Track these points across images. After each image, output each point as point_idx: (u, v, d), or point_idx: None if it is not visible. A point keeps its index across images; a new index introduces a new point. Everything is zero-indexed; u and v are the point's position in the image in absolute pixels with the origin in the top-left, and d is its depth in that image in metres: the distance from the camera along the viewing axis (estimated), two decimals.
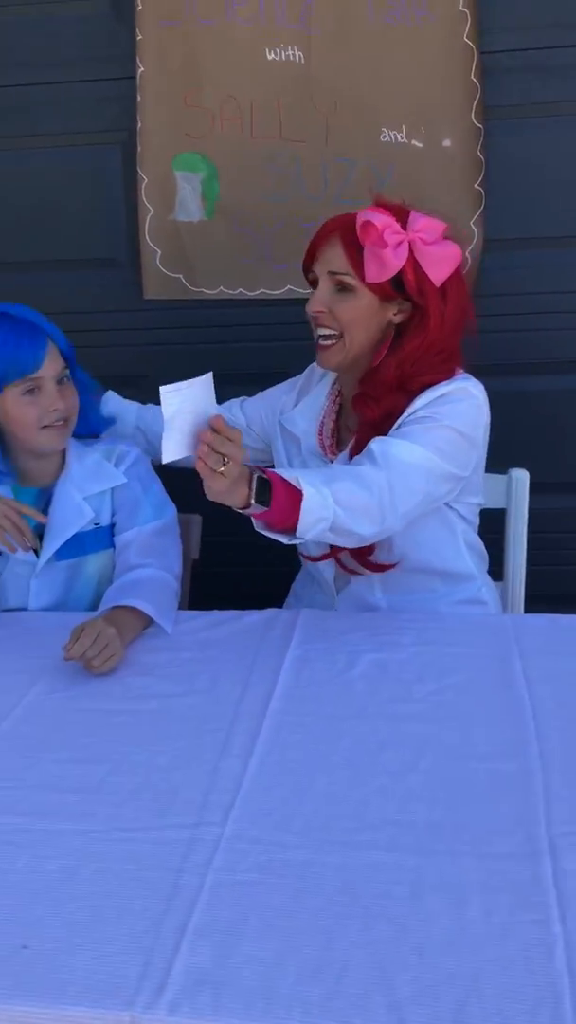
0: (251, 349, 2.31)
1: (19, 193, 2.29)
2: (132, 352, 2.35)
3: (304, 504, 1.35)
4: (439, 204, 2.14)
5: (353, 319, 1.57)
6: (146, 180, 2.24)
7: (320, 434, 1.72)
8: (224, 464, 1.31)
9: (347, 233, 1.56)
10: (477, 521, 1.73)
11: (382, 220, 1.52)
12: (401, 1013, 0.81)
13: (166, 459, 1.34)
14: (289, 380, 1.85)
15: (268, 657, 1.44)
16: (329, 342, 1.60)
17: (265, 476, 1.36)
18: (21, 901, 0.95)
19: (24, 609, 1.68)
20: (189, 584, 1.90)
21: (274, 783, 1.13)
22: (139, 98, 2.19)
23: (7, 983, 0.85)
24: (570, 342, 2.20)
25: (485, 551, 1.76)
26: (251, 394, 1.96)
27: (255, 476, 1.35)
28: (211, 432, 1.32)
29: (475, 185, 2.15)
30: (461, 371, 1.63)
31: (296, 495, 1.36)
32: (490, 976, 0.85)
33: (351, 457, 1.58)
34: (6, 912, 0.94)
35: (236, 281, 2.27)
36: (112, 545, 1.69)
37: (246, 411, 1.88)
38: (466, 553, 1.69)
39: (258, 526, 1.41)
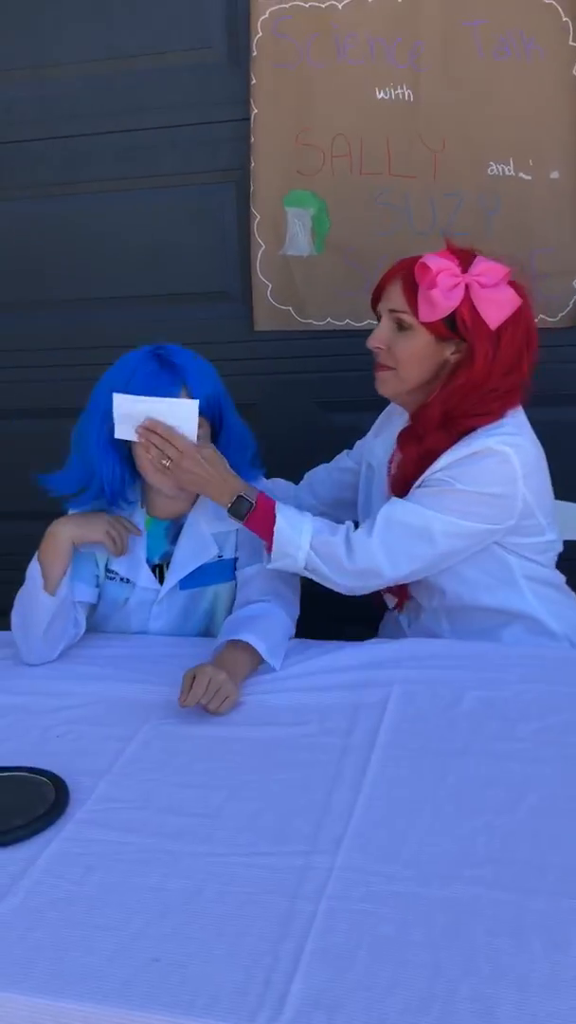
0: (357, 378, 2.35)
1: (138, 231, 2.42)
2: (243, 381, 2.42)
3: (276, 534, 1.58)
4: (546, 234, 2.18)
5: (408, 356, 1.66)
6: (258, 217, 2.33)
7: (391, 463, 1.77)
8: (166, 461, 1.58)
9: (408, 274, 1.65)
10: (552, 555, 1.76)
11: (439, 263, 1.61)
12: None
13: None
14: (376, 423, 1.94)
15: (375, 689, 1.50)
16: (385, 372, 1.70)
17: (247, 498, 1.60)
18: (151, 917, 1.04)
19: (144, 634, 1.78)
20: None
21: (382, 816, 1.19)
22: (252, 139, 2.29)
23: (141, 992, 0.93)
24: None
25: (565, 586, 1.80)
26: (356, 422, 2.04)
27: (240, 494, 1.60)
28: (146, 431, 1.58)
29: None
30: (511, 412, 1.67)
31: (271, 522, 1.58)
32: None
33: (390, 480, 1.71)
34: (138, 926, 1.02)
35: (344, 312, 2.34)
36: (233, 578, 1.77)
37: (352, 457, 1.97)
38: (526, 590, 1.71)
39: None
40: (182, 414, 1.60)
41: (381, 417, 1.92)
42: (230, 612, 1.74)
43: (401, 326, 1.66)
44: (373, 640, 1.72)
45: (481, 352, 1.61)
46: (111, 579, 1.77)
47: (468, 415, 1.63)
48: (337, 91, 2.22)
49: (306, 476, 2.05)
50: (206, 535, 1.74)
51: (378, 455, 1.82)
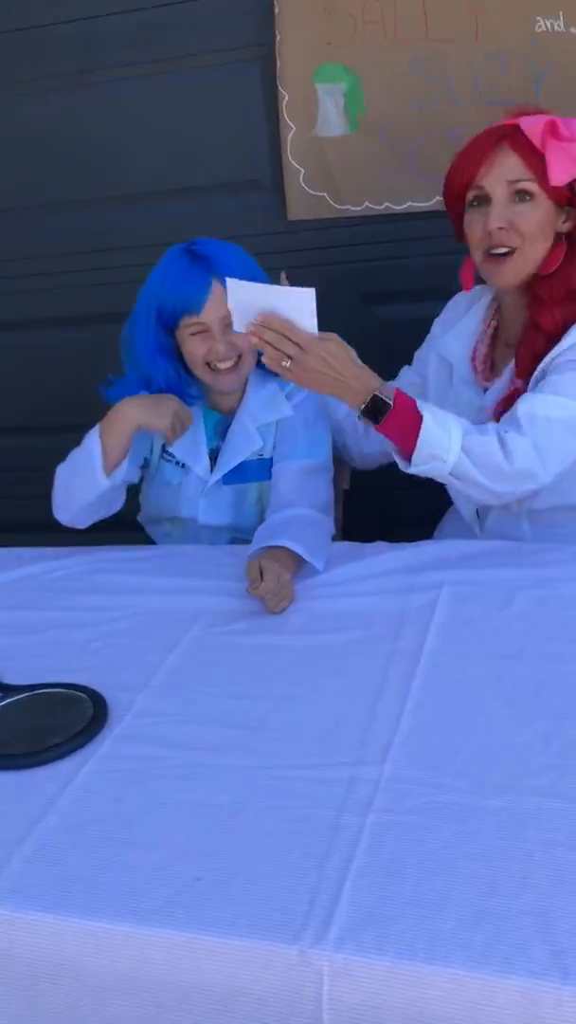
0: (401, 266, 2.24)
1: (157, 120, 2.28)
2: (278, 276, 2.33)
3: (421, 435, 1.38)
4: None
5: (534, 230, 1.50)
6: (287, 96, 2.18)
7: (473, 360, 1.67)
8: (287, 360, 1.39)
9: (516, 140, 1.48)
10: None
11: (549, 119, 1.45)
12: (564, 960, 0.82)
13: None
14: (437, 321, 1.81)
15: (422, 592, 1.44)
16: (506, 257, 1.52)
17: (384, 397, 1.40)
18: (194, 834, 1.00)
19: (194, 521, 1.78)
20: (342, 517, 1.91)
21: (432, 724, 1.14)
22: (276, 9, 2.12)
23: (184, 914, 0.90)
24: None
25: None
26: (401, 314, 1.92)
27: (375, 393, 1.40)
28: (259, 327, 1.39)
29: None
30: None
31: (416, 422, 1.38)
32: None
33: (517, 374, 1.54)
34: (182, 844, 0.99)
35: (382, 196, 2.20)
36: (270, 478, 1.74)
37: (415, 370, 1.84)
38: None
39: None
40: (296, 302, 1.40)
41: (446, 313, 1.79)
42: None
43: (524, 196, 1.49)
44: (422, 541, 1.64)
45: None
46: (167, 461, 1.78)
47: None
48: None
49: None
50: (251, 430, 1.74)
51: (455, 350, 1.69)
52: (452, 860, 0.93)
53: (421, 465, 1.41)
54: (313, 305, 1.40)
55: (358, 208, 2.22)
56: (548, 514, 1.61)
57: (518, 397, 1.51)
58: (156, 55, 2.24)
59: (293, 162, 2.22)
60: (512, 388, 1.56)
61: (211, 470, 1.75)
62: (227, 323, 1.60)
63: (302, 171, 2.23)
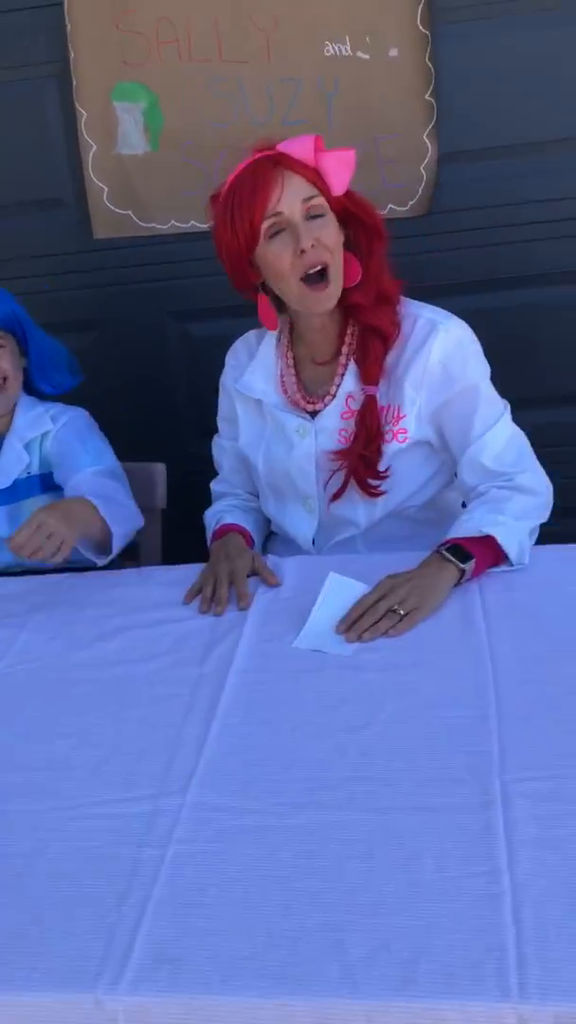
0: (208, 284, 2.24)
1: None
2: (86, 295, 2.30)
3: (502, 540, 1.46)
4: (389, 118, 2.08)
5: (335, 243, 1.51)
6: (85, 114, 2.16)
7: (285, 391, 1.65)
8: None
9: (291, 162, 1.48)
10: None
11: (307, 138, 1.49)
12: (354, 977, 0.84)
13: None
14: (226, 371, 1.75)
15: (232, 613, 1.45)
16: (323, 281, 1.51)
17: (449, 545, 1.46)
18: None
19: None
20: (160, 538, 1.91)
21: (235, 746, 1.15)
22: (69, 26, 2.10)
23: None
24: (533, 255, 2.14)
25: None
26: (214, 331, 1.92)
27: (442, 550, 1.45)
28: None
29: (425, 96, 2.07)
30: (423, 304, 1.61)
31: (487, 540, 1.46)
32: (440, 933, 0.87)
33: (367, 382, 1.56)
34: None
35: (187, 214, 2.21)
36: (43, 492, 1.77)
37: (227, 435, 1.79)
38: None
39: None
40: (337, 587, 1.45)
41: (231, 363, 1.74)
42: None
43: (317, 214, 1.48)
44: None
45: (369, 216, 1.55)
46: None
47: (388, 287, 1.57)
48: None
49: (218, 485, 1.83)
50: (19, 449, 1.77)
51: (259, 386, 1.66)
52: (250, 885, 0.95)
53: (517, 558, 1.48)
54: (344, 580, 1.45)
55: (164, 226, 2.22)
56: (384, 527, 1.65)
57: (373, 404, 1.56)
58: None
59: (96, 180, 2.20)
60: (367, 396, 1.57)
61: None
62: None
63: (105, 189, 2.21)
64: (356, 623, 1.36)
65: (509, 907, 0.89)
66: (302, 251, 1.47)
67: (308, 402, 1.64)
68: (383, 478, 1.58)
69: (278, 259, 1.49)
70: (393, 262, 1.96)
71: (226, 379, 1.75)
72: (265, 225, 1.49)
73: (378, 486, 1.58)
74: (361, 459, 1.57)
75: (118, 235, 2.24)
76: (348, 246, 1.55)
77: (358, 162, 2.09)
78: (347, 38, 2.06)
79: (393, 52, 2.05)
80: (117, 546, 1.61)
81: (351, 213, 1.53)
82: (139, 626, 1.45)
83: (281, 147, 1.50)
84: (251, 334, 1.74)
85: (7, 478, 1.76)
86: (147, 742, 1.18)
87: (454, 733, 1.14)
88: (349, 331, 1.60)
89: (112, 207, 2.22)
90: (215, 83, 2.12)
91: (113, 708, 1.26)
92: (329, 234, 1.50)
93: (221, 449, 1.80)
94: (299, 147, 1.49)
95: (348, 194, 1.53)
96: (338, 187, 1.50)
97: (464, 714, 1.17)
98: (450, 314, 1.60)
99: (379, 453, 1.57)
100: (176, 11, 2.07)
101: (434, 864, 0.95)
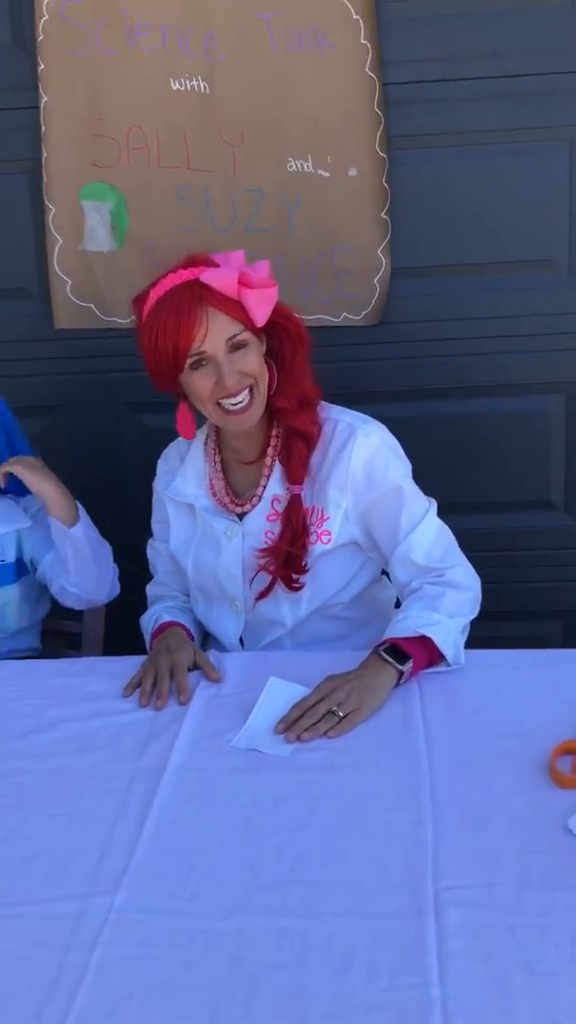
0: None
1: None
2: (45, 382, 2.33)
3: (438, 641, 1.48)
4: (346, 233, 2.18)
5: (258, 368, 1.55)
6: (53, 210, 2.22)
7: (213, 494, 1.68)
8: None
9: (215, 297, 1.49)
10: None
11: (228, 271, 1.50)
12: None
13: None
14: (157, 478, 1.79)
15: (172, 706, 1.44)
16: (249, 406, 1.55)
17: (387, 645, 1.48)
18: None
19: None
20: (103, 629, 1.90)
21: (169, 846, 1.14)
22: (43, 128, 2.18)
23: None
24: (474, 367, 2.23)
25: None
26: (166, 422, 1.94)
27: (381, 651, 1.46)
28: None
29: (381, 214, 2.17)
30: (340, 408, 1.66)
31: (423, 640, 1.48)
32: None
33: (292, 481, 1.59)
34: None
35: None
36: (14, 581, 1.77)
37: (160, 538, 1.81)
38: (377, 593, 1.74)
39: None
40: (277, 690, 1.46)
41: (163, 467, 1.78)
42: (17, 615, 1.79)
43: (238, 346, 1.52)
44: None
45: (291, 323, 1.59)
46: None
47: (309, 391, 1.61)
48: (130, 80, 2.14)
49: (153, 588, 1.84)
50: None
51: (189, 491, 1.68)
52: (176, 993, 0.93)
53: (454, 658, 1.50)
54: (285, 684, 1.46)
55: (125, 321, 2.27)
56: (311, 626, 1.66)
57: (298, 503, 1.59)
58: None
59: (60, 273, 2.26)
60: (291, 495, 1.60)
61: None
62: None
63: (69, 282, 2.26)
64: (295, 723, 1.36)
65: (439, 1021, 0.88)
66: (226, 386, 1.52)
67: (235, 504, 1.66)
68: (303, 571, 1.61)
69: (200, 387, 1.53)
70: (345, 368, 2.04)
71: (158, 484, 1.78)
72: (189, 361, 1.51)
73: (298, 579, 1.61)
74: (287, 556, 1.59)
75: (79, 326, 2.28)
76: (270, 353, 1.60)
77: (316, 272, 2.18)
78: (309, 156, 2.16)
79: (352, 171, 2.15)
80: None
81: (273, 322, 1.56)
82: (77, 718, 1.43)
83: (204, 277, 1.49)
84: (181, 442, 1.76)
85: None
86: (79, 838, 1.16)
87: (390, 837, 1.14)
88: (273, 433, 1.63)
89: (75, 299, 2.27)
90: (181, 189, 2.20)
91: (46, 801, 1.23)
92: (251, 362, 1.54)
93: (156, 552, 1.81)
94: (222, 281, 1.49)
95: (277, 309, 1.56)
96: (260, 320, 1.53)
97: (400, 818, 1.17)
98: (368, 418, 1.65)
99: (304, 550, 1.59)
100: (147, 122, 2.16)
101: (365, 974, 0.95)
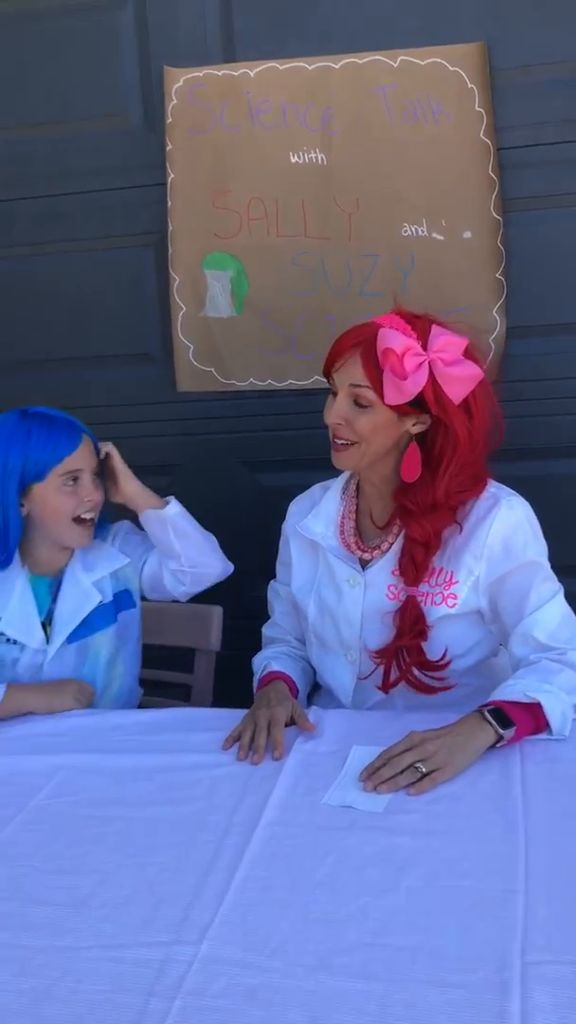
0: (281, 438, 2.37)
1: (60, 295, 2.41)
2: (167, 443, 2.43)
3: (547, 707, 1.44)
4: (461, 294, 2.20)
5: (371, 431, 1.58)
6: (178, 280, 2.34)
7: (342, 534, 1.71)
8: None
9: (368, 349, 1.55)
10: None
11: (402, 344, 1.51)
12: None
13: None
14: (287, 518, 1.83)
15: (269, 762, 1.45)
16: (345, 446, 1.61)
17: (491, 706, 1.44)
18: None
19: None
20: (212, 680, 1.94)
21: (255, 900, 1.14)
22: (170, 203, 2.30)
23: None
24: None
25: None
26: (281, 481, 1.99)
27: (485, 712, 1.43)
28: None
29: (496, 275, 2.18)
30: (490, 480, 1.65)
31: (531, 706, 1.44)
32: None
33: (407, 583, 1.59)
34: None
35: (265, 373, 2.34)
36: (115, 620, 1.79)
37: (284, 589, 1.84)
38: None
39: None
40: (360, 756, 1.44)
41: (298, 506, 1.82)
42: (120, 656, 1.80)
43: (359, 403, 1.56)
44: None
45: (461, 427, 1.55)
46: None
47: (461, 490, 1.59)
48: (252, 155, 2.25)
49: (269, 630, 1.89)
50: (86, 585, 1.76)
51: (316, 529, 1.72)
52: None
53: (559, 728, 1.46)
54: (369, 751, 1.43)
55: (243, 383, 2.36)
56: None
57: (413, 604, 1.59)
58: (62, 235, 2.39)
59: (183, 339, 2.36)
60: (408, 596, 1.60)
61: (47, 640, 1.75)
62: (94, 472, 1.73)
63: (191, 347, 2.37)
64: (376, 772, 1.35)
65: None
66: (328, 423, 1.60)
67: (361, 549, 1.68)
68: (439, 668, 1.59)
69: (327, 407, 1.62)
70: None
71: (286, 525, 1.81)
72: (329, 380, 1.63)
73: (436, 681, 1.60)
74: (403, 652, 1.59)
75: (200, 389, 2.38)
76: (421, 438, 1.59)
77: None
78: (424, 220, 2.21)
79: (467, 234, 2.18)
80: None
81: (438, 417, 1.55)
82: (177, 768, 1.46)
83: (382, 326, 1.55)
84: (316, 488, 1.81)
85: (73, 618, 1.74)
86: (169, 887, 1.18)
87: (479, 906, 1.11)
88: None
89: (196, 363, 2.37)
90: (299, 256, 2.28)
91: (141, 849, 1.26)
92: (364, 423, 1.57)
93: (275, 593, 1.85)
94: (381, 339, 1.52)
95: (450, 407, 1.55)
96: (389, 399, 1.54)
97: (491, 886, 1.14)
98: (513, 492, 1.64)
99: (420, 652, 1.59)
100: (267, 193, 2.26)
101: None
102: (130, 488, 1.78)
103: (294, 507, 1.82)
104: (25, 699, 1.67)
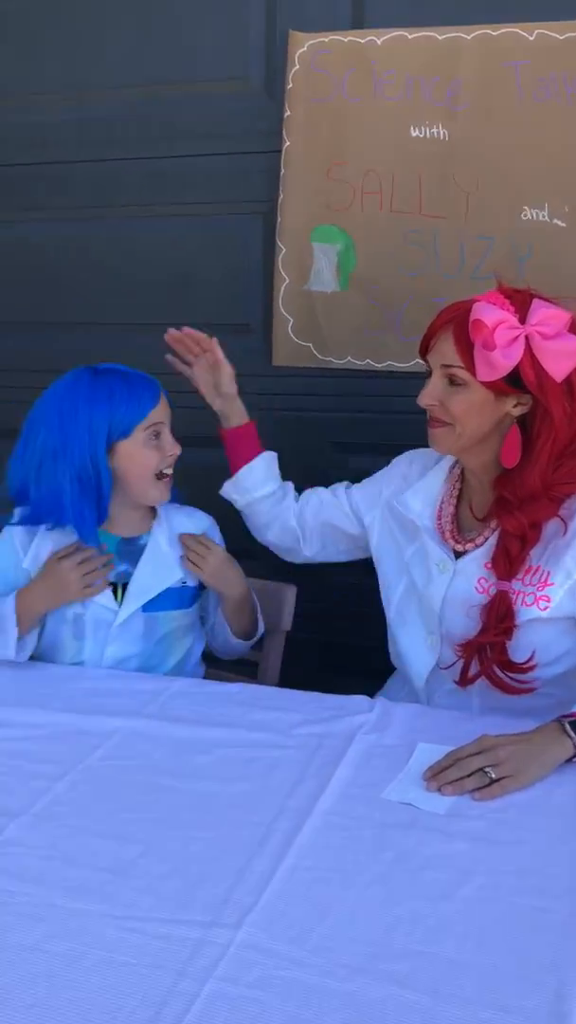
0: (374, 420, 2.29)
1: (164, 258, 2.38)
2: (257, 415, 2.36)
3: None
4: None
5: (466, 412, 1.51)
6: (284, 250, 2.28)
7: (439, 519, 1.65)
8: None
9: (460, 326, 1.49)
10: None
11: (494, 317, 1.43)
12: None
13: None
14: (394, 466, 1.79)
15: (331, 749, 1.39)
16: (441, 428, 1.56)
17: (573, 718, 1.33)
18: (21, 980, 0.95)
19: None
20: (280, 658, 1.89)
21: (301, 891, 1.08)
22: (283, 171, 2.24)
23: None
24: None
25: None
26: (371, 465, 1.93)
27: (566, 724, 1.32)
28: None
29: None
30: None
31: None
32: None
33: (498, 576, 1.52)
34: (5, 990, 0.93)
35: (365, 352, 2.27)
36: (191, 605, 1.74)
37: (351, 497, 1.83)
38: None
39: None
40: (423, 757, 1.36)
41: (401, 466, 1.77)
42: (189, 635, 1.77)
43: (454, 381, 1.51)
44: (353, 696, 1.58)
45: (558, 409, 1.46)
46: None
47: (567, 480, 1.49)
48: (371, 127, 2.17)
49: (305, 498, 1.92)
50: (169, 557, 1.71)
51: (415, 508, 1.66)
52: None
53: None
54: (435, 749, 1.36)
55: (340, 361, 2.29)
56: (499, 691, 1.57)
57: (505, 598, 1.51)
58: (169, 199, 2.36)
59: (284, 311, 2.30)
60: (499, 590, 1.52)
61: (117, 601, 1.69)
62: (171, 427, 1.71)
63: (291, 320, 2.31)
64: (443, 772, 1.28)
65: None
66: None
67: (456, 540, 1.61)
68: (523, 671, 1.51)
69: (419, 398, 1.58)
70: None
71: (388, 485, 1.76)
72: (425, 360, 1.59)
73: (517, 683, 1.51)
74: (487, 648, 1.51)
75: (296, 364, 2.32)
76: (523, 423, 1.51)
77: None
78: (546, 205, 2.10)
79: None
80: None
81: (537, 399, 1.47)
82: (236, 744, 1.41)
83: (477, 306, 1.46)
84: (432, 452, 1.70)
85: (151, 586, 1.68)
86: (213, 865, 1.13)
87: (540, 928, 1.03)
88: None
89: (295, 338, 2.31)
90: (411, 234, 2.19)
91: (188, 823, 1.22)
92: (459, 403, 1.51)
93: (335, 491, 1.84)
94: (474, 317, 1.45)
95: (550, 386, 1.46)
96: (482, 376, 1.47)
97: (555, 907, 1.06)
98: None
99: (504, 651, 1.51)
100: (384, 167, 2.18)
101: None
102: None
103: (403, 467, 1.77)
104: (32, 604, 1.64)
